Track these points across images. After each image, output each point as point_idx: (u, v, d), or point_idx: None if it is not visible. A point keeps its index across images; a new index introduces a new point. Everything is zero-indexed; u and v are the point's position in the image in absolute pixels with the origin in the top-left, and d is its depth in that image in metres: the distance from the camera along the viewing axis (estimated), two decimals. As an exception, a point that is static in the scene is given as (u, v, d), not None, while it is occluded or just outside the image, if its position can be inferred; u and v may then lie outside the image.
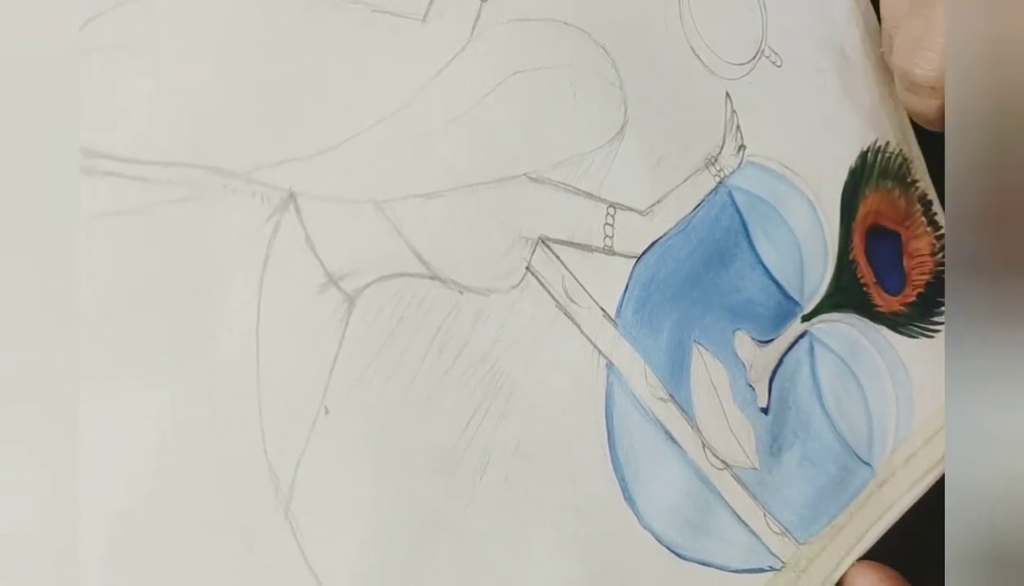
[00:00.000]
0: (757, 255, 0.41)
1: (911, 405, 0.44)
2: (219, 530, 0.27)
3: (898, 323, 0.45)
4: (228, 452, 0.28)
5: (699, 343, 0.38)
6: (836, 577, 0.40)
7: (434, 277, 0.32)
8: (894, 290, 0.46)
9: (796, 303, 0.42)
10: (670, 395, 0.37)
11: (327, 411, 0.29)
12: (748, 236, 0.40)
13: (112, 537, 0.26)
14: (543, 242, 0.35)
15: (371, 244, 0.31)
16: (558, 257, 0.35)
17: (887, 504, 0.43)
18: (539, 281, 0.34)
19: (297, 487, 0.28)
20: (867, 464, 0.42)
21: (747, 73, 0.42)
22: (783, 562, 0.39)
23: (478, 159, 0.33)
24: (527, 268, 0.34)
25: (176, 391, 0.28)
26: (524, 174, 0.34)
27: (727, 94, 0.41)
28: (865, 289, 0.44)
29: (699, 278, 0.39)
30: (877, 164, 0.46)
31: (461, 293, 0.32)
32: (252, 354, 0.29)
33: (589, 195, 0.36)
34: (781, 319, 0.41)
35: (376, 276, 0.31)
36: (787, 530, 0.39)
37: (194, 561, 0.27)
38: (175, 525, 0.27)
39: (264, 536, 0.28)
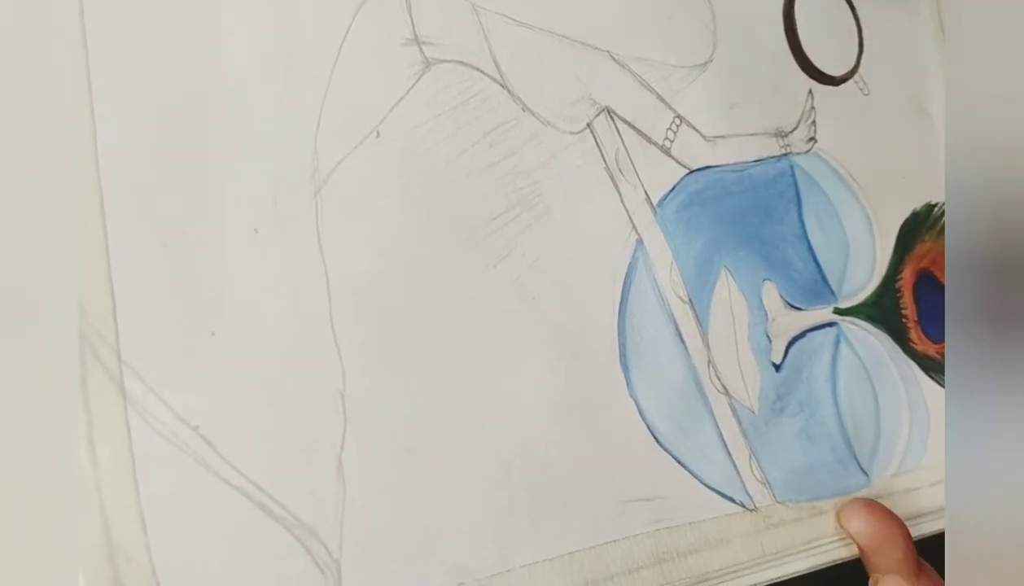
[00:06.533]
0: (804, 229, 0.43)
1: (925, 442, 0.44)
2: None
3: (930, 368, 0.46)
4: (288, 106, 0.31)
5: (728, 270, 0.40)
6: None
7: (504, 86, 0.35)
8: (935, 338, 0.46)
9: (832, 293, 0.43)
10: (689, 299, 0.38)
11: (378, 134, 0.32)
12: (800, 210, 0.43)
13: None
14: (609, 112, 0.38)
15: (459, 34, 0.35)
16: (618, 131, 0.38)
17: (879, 519, 0.42)
18: (596, 140, 0.37)
19: (333, 178, 0.31)
20: (864, 473, 0.42)
21: (834, 84, 0.46)
22: (755, 505, 0.39)
23: (569, 16, 0.37)
24: (588, 125, 0.37)
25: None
26: (608, 51, 0.38)
27: (810, 90, 0.45)
28: (905, 321, 0.45)
29: (743, 217, 0.41)
30: (940, 220, 0.48)
31: (523, 110, 0.36)
32: (328, 67, 0.32)
33: (660, 98, 0.39)
34: (813, 296, 0.42)
35: (455, 59, 0.35)
36: (768, 482, 0.39)
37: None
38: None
39: (290, 207, 0.31)
